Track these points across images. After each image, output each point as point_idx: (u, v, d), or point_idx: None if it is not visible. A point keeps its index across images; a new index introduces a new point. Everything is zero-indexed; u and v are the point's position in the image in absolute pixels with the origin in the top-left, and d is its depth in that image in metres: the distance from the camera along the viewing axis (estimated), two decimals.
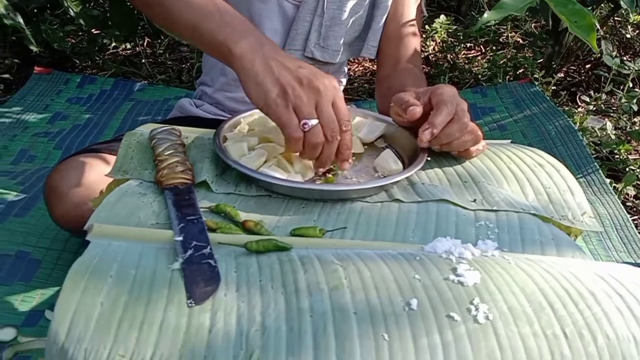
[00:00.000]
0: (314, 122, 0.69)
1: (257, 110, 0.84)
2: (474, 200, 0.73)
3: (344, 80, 1.25)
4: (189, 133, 0.83)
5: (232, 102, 1.16)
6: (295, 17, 1.06)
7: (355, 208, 0.69)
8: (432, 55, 2.37)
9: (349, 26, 1.08)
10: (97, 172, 0.95)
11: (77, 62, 2.17)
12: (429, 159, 0.78)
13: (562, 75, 2.20)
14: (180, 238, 0.59)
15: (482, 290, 0.53)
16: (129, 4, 1.62)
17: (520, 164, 0.83)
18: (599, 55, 1.90)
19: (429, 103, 0.77)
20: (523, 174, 0.80)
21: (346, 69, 1.26)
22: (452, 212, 0.70)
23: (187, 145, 0.79)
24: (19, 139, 1.56)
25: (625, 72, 1.68)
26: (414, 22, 1.10)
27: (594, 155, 1.54)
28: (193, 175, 0.71)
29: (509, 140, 0.95)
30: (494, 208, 0.71)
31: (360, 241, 0.62)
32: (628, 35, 2.34)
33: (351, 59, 2.35)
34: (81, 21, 1.71)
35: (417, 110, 0.75)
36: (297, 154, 0.73)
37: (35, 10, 2.06)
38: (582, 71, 2.28)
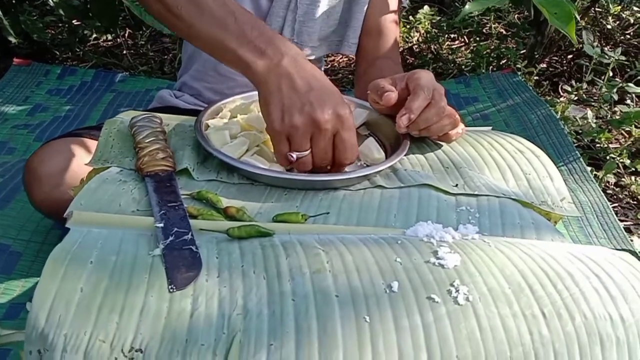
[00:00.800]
0: (302, 154, 0.68)
1: (239, 97, 0.85)
2: (456, 185, 0.73)
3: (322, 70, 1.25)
4: (170, 120, 0.83)
5: (211, 92, 1.15)
6: (268, 12, 1.05)
7: (338, 195, 0.69)
8: (415, 46, 2.37)
9: (323, 21, 1.07)
10: (78, 156, 0.94)
11: (57, 53, 2.14)
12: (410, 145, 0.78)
13: (544, 65, 2.21)
14: (161, 224, 0.59)
15: (462, 272, 0.54)
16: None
17: (501, 151, 0.83)
18: (581, 45, 1.92)
19: (406, 88, 0.77)
20: (504, 160, 0.81)
21: (323, 66, 1.25)
22: (434, 197, 0.70)
23: (168, 133, 0.78)
24: None
25: (606, 61, 1.70)
26: (395, 15, 1.10)
27: (575, 144, 1.56)
28: (174, 162, 0.71)
29: (490, 127, 0.95)
30: (475, 192, 0.72)
31: (343, 226, 0.62)
32: (609, 26, 2.37)
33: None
34: (61, 11, 1.68)
35: (392, 96, 0.75)
36: None
37: (14, 1, 2.04)
38: (564, 61, 2.30)
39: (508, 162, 0.81)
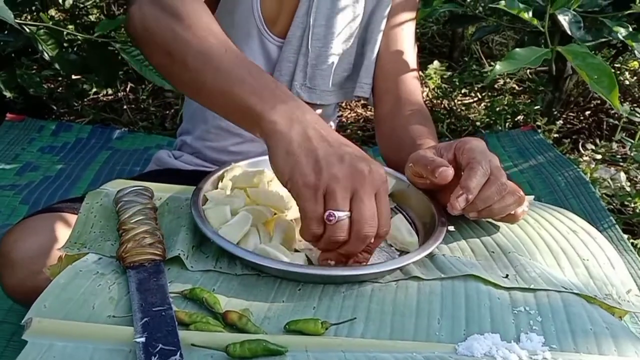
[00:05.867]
0: (344, 215, 0.53)
1: (243, 163, 0.73)
2: (507, 276, 0.60)
3: (334, 125, 1.15)
4: (163, 192, 0.71)
5: (213, 151, 1.05)
6: (279, 58, 0.96)
7: (365, 291, 0.56)
8: (427, 102, 2.29)
9: (337, 64, 0.98)
10: (58, 236, 0.82)
11: (54, 108, 2.06)
12: (451, 228, 0.65)
13: (561, 122, 2.12)
14: (142, 339, 0.45)
15: None
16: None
17: (552, 230, 0.71)
18: (601, 101, 1.83)
19: (454, 160, 0.66)
20: (556, 243, 0.69)
21: (336, 116, 1.15)
22: (484, 293, 0.57)
23: (159, 209, 0.66)
24: None
25: (637, 119, 1.59)
26: (412, 57, 1.00)
27: (606, 207, 1.43)
28: (164, 248, 0.58)
29: (532, 197, 0.83)
30: (532, 286, 0.59)
31: (374, 341, 0.49)
32: (627, 82, 2.29)
33: (342, 104, 2.27)
34: (57, 66, 1.60)
35: (450, 172, 0.63)
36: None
37: (12, 55, 1.96)
38: (582, 118, 2.21)
39: (561, 244, 0.69)
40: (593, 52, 1.75)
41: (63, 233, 0.82)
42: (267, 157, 0.66)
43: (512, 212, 0.65)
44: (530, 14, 1.27)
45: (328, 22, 0.94)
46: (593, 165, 1.69)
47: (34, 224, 0.84)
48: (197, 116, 1.06)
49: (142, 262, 0.55)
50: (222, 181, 0.70)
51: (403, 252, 0.65)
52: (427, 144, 0.82)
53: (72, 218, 0.86)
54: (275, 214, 0.65)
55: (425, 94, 2.31)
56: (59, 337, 0.46)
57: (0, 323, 0.99)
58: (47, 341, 0.46)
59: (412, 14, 1.03)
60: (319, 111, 1.03)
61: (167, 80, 0.76)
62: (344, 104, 2.30)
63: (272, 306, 0.53)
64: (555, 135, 1.93)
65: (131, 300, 0.51)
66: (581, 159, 1.81)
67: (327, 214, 0.53)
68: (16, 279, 0.81)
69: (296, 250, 0.63)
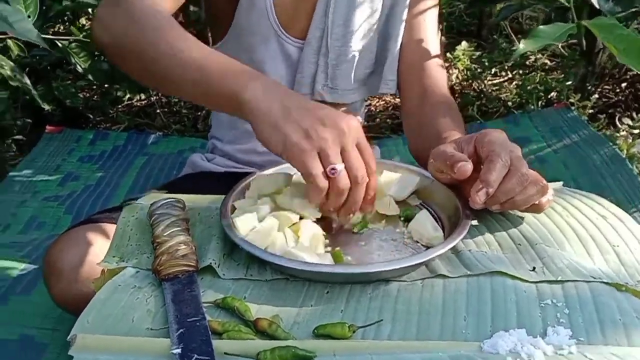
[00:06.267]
0: (341, 166, 0.61)
1: (265, 172, 0.75)
2: (534, 269, 0.61)
3: (361, 120, 1.15)
4: (195, 203, 0.73)
5: (244, 154, 1.08)
6: (299, 59, 0.97)
7: (390, 290, 0.57)
8: (456, 85, 2.26)
9: (358, 62, 0.98)
10: (98, 247, 0.86)
11: (91, 116, 2.12)
12: (474, 222, 0.66)
13: (597, 96, 2.06)
14: (179, 350, 0.48)
15: None
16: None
17: (580, 217, 0.70)
18: (637, 74, 1.77)
19: (475, 153, 0.66)
20: (585, 230, 0.68)
21: (363, 110, 1.15)
22: (510, 288, 0.57)
23: (191, 220, 0.69)
24: (28, 205, 1.48)
25: None
26: (436, 46, 1.00)
27: None
28: (197, 259, 0.61)
29: (561, 183, 0.82)
30: (559, 278, 0.59)
31: (401, 342, 0.50)
32: None
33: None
34: (90, 77, 1.65)
35: (469, 167, 0.64)
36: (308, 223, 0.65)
37: (48, 67, 2.03)
38: (619, 91, 2.14)
39: (590, 231, 0.68)
40: (624, 23, 1.70)
41: (102, 243, 0.86)
42: (286, 165, 0.69)
43: (537, 202, 0.65)
44: None
45: (346, 22, 0.94)
46: (630, 140, 1.64)
47: (76, 235, 0.88)
48: (225, 123, 1.08)
49: (176, 274, 0.58)
50: (248, 189, 0.72)
51: (429, 248, 0.65)
52: (452, 137, 0.82)
53: (111, 228, 0.90)
54: (301, 217, 0.67)
55: (454, 76, 2.28)
56: (101, 352, 0.49)
57: (53, 331, 1.04)
58: (91, 356, 0.49)
59: (434, 1, 1.02)
60: (343, 109, 1.04)
61: (142, 81, 0.81)
62: None
63: (301, 311, 0.55)
64: (590, 111, 1.88)
65: (167, 312, 0.53)
66: (618, 134, 1.76)
67: (329, 169, 0.60)
68: (61, 288, 0.86)
69: (327, 251, 0.65)
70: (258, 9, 0.92)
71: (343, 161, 0.61)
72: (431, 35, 1.00)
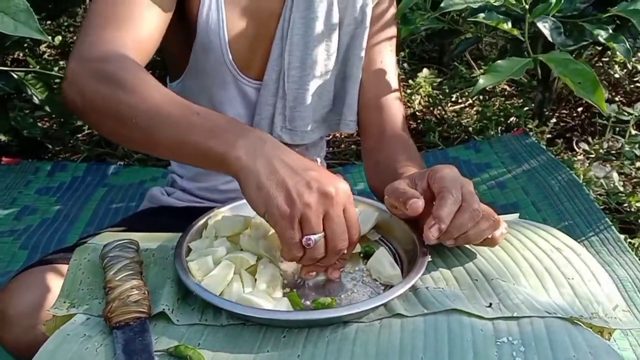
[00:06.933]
0: (319, 237, 0.59)
1: (223, 209, 0.74)
2: (490, 305, 0.61)
3: (323, 152, 1.15)
4: (150, 242, 0.72)
5: (204, 191, 1.06)
6: (257, 101, 0.97)
7: (349, 333, 0.57)
8: (418, 111, 2.29)
9: (316, 103, 0.98)
10: (52, 290, 0.83)
11: (50, 146, 2.08)
12: (430, 258, 0.66)
13: (554, 121, 2.12)
14: None
15: None
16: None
17: (535, 250, 0.71)
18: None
19: (428, 189, 0.66)
20: (540, 263, 0.69)
21: (324, 144, 1.15)
22: (467, 326, 0.57)
23: (145, 262, 0.67)
24: None
25: (625, 118, 1.59)
26: (394, 81, 1.01)
27: (602, 207, 1.44)
28: (150, 304, 0.59)
29: (517, 215, 0.84)
30: (515, 314, 0.59)
31: None
32: (617, 75, 2.29)
33: None
34: (47, 108, 1.62)
35: (420, 204, 0.64)
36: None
37: (5, 97, 1.99)
38: (575, 115, 2.21)
39: (545, 264, 0.69)
40: (577, 52, 1.76)
41: (56, 286, 0.83)
42: (244, 201, 0.68)
43: (490, 236, 0.66)
44: (510, 24, 1.28)
45: (302, 64, 0.94)
46: (587, 164, 1.69)
47: (27, 279, 0.85)
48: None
49: (128, 321, 0.56)
50: (206, 229, 0.71)
51: (387, 286, 0.65)
52: (408, 172, 0.83)
53: (65, 269, 0.87)
54: (258, 259, 0.66)
55: (416, 102, 2.31)
56: None
57: None
58: None
59: (391, 36, 1.02)
60: (302, 149, 1.04)
61: (120, 143, 0.78)
62: None
63: (257, 357, 0.54)
64: (548, 135, 1.93)
65: None
66: (575, 158, 1.81)
67: (304, 240, 0.58)
68: (13, 335, 0.83)
69: (284, 294, 0.64)
70: (214, 51, 0.90)
71: (324, 228, 0.59)
72: (389, 71, 1.00)
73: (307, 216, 0.58)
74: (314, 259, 0.61)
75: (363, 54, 0.97)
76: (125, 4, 0.78)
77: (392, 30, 1.02)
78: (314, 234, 0.58)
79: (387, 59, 1.01)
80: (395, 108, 0.99)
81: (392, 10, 1.02)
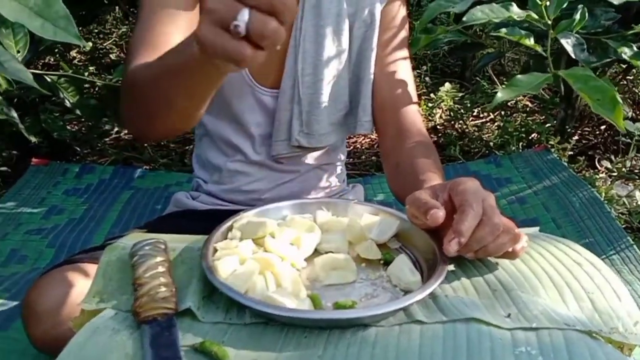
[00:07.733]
0: (245, 16, 0.50)
1: (249, 213, 0.76)
2: (509, 316, 0.62)
3: (343, 157, 1.17)
4: (177, 243, 0.74)
5: (227, 192, 1.09)
6: (275, 108, 1.00)
7: (368, 335, 0.58)
8: (439, 125, 2.30)
9: (331, 107, 1.01)
10: (78, 288, 0.86)
11: (78, 149, 2.13)
12: (451, 266, 0.67)
13: (576, 138, 2.11)
14: None
15: None
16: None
17: (556, 264, 0.72)
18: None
19: (449, 201, 0.68)
20: (560, 277, 0.70)
21: (344, 146, 1.17)
22: (485, 335, 0.58)
23: (173, 261, 0.69)
24: (10, 238, 1.48)
25: None
26: (408, 80, 1.02)
27: (624, 226, 1.43)
28: (177, 301, 0.61)
29: (537, 228, 0.84)
30: (533, 325, 0.60)
31: None
32: None
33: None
34: (78, 112, 1.66)
35: (440, 214, 0.65)
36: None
37: (37, 100, 2.04)
38: (598, 132, 2.20)
39: (566, 278, 0.70)
40: (601, 70, 1.76)
41: (82, 285, 0.86)
42: (271, 206, 0.70)
43: (510, 250, 0.67)
44: (532, 39, 1.29)
45: (315, 70, 0.97)
46: (609, 183, 1.68)
47: (55, 276, 0.88)
48: (208, 166, 1.10)
49: (156, 317, 0.58)
50: (231, 231, 0.73)
51: (407, 292, 0.66)
52: (429, 179, 0.84)
53: (91, 268, 0.90)
54: (282, 260, 0.68)
55: (437, 116, 2.32)
56: None
57: None
58: None
59: (404, 39, 1.04)
60: (321, 152, 1.06)
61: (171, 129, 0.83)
62: None
63: (280, 356, 0.55)
64: (570, 152, 1.93)
65: (144, 357, 0.53)
66: (597, 176, 1.80)
67: (231, 27, 0.50)
68: (40, 330, 0.85)
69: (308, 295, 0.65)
70: None
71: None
72: (402, 72, 1.02)
73: (214, 12, 0.51)
74: (260, 36, 0.51)
75: (374, 55, 1.00)
76: (156, 32, 0.86)
77: (404, 31, 1.04)
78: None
79: (400, 59, 1.03)
80: (411, 109, 1.00)
81: (403, 11, 1.04)
